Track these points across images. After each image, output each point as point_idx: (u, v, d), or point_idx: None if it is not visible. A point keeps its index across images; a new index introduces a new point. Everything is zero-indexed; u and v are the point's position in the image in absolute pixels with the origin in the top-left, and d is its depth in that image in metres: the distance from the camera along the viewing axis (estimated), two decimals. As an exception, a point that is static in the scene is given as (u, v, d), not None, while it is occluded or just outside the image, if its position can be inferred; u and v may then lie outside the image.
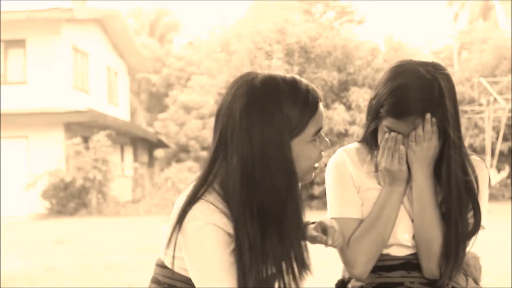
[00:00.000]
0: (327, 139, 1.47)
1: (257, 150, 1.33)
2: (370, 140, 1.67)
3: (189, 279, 1.43)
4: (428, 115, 1.51)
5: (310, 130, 1.39)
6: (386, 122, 1.56)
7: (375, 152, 1.65)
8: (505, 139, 17.32)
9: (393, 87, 1.54)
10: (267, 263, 1.35)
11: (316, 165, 1.48)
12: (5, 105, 16.12)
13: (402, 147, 1.57)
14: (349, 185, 1.66)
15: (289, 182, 1.35)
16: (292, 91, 1.38)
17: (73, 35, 17.50)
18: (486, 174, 1.65)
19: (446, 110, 1.53)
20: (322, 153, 1.47)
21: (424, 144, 1.54)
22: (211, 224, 1.35)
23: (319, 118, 1.42)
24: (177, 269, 1.51)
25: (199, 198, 1.38)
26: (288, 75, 1.42)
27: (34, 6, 17.11)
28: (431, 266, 1.58)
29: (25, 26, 16.41)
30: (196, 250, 1.36)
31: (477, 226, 1.59)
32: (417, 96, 1.51)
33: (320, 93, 1.44)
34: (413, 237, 1.62)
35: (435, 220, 1.57)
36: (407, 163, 1.59)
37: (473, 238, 1.60)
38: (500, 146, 17.08)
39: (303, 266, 1.41)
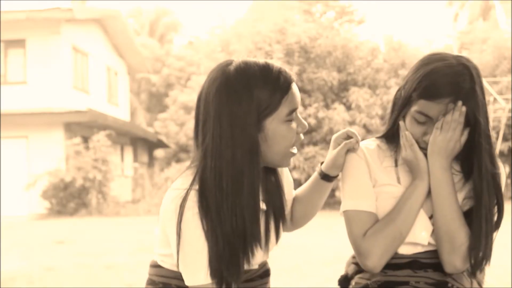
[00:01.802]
0: (304, 122, 1.50)
1: (225, 129, 1.38)
2: (393, 134, 1.67)
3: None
4: (459, 103, 1.53)
5: (283, 109, 1.43)
6: (417, 107, 1.57)
7: (395, 146, 1.67)
8: (505, 139, 17.31)
9: (426, 71, 1.57)
10: (218, 236, 1.37)
11: (295, 150, 1.51)
12: (5, 105, 16.13)
13: (408, 133, 1.59)
14: (365, 179, 1.65)
15: (250, 159, 1.39)
16: (262, 73, 1.43)
17: (73, 35, 17.50)
18: (503, 171, 1.66)
19: (478, 98, 1.54)
20: (301, 136, 1.50)
21: (448, 134, 1.55)
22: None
23: (293, 98, 1.46)
24: (170, 266, 1.52)
25: (189, 189, 1.40)
26: (262, 60, 1.47)
27: (34, 6, 17.08)
28: (453, 260, 1.56)
29: (25, 26, 16.42)
30: (185, 239, 1.38)
31: (500, 220, 1.59)
32: (450, 79, 1.53)
33: (293, 75, 1.48)
34: (431, 233, 1.60)
35: (456, 212, 1.56)
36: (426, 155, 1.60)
37: (496, 232, 1.60)
38: (500, 146, 17.07)
39: (255, 242, 1.42)
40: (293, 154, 1.51)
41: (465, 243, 1.55)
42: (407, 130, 1.61)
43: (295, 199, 1.77)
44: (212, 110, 1.40)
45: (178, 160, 21.88)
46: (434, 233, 1.59)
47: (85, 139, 16.38)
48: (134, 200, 19.02)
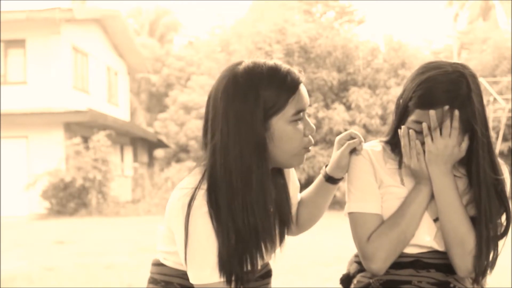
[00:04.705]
0: (312, 125, 1.50)
1: (232, 126, 1.39)
2: (395, 143, 1.66)
3: (185, 273, 1.44)
4: (446, 107, 1.51)
5: (289, 109, 1.43)
6: (414, 116, 1.56)
7: (398, 152, 1.65)
8: (505, 139, 17.30)
9: (421, 80, 1.55)
10: (230, 232, 1.37)
11: (310, 148, 1.51)
12: (5, 105, 16.12)
13: (418, 142, 1.56)
14: (370, 180, 1.64)
15: (258, 156, 1.40)
16: (270, 72, 1.44)
17: (73, 35, 17.50)
18: (508, 176, 1.64)
19: (474, 106, 1.52)
20: (310, 138, 1.50)
21: (441, 141, 1.53)
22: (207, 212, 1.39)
23: (300, 99, 1.46)
24: (172, 264, 1.52)
25: (197, 188, 1.41)
26: (272, 61, 1.48)
27: (34, 6, 17.14)
28: (466, 263, 1.55)
29: (25, 26, 16.42)
30: (193, 237, 1.38)
31: (508, 228, 1.58)
32: (445, 88, 1.51)
33: (301, 76, 1.48)
34: (434, 238, 1.60)
35: (463, 216, 1.55)
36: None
37: (504, 239, 1.59)
38: (500, 146, 17.05)
39: (268, 237, 1.43)
40: (307, 151, 1.51)
41: (476, 247, 1.54)
42: (412, 139, 1.58)
43: (300, 203, 1.77)
44: (220, 108, 1.42)
45: (178, 160, 21.88)
46: (444, 239, 1.58)
47: (85, 139, 16.38)
48: (134, 200, 19.02)
